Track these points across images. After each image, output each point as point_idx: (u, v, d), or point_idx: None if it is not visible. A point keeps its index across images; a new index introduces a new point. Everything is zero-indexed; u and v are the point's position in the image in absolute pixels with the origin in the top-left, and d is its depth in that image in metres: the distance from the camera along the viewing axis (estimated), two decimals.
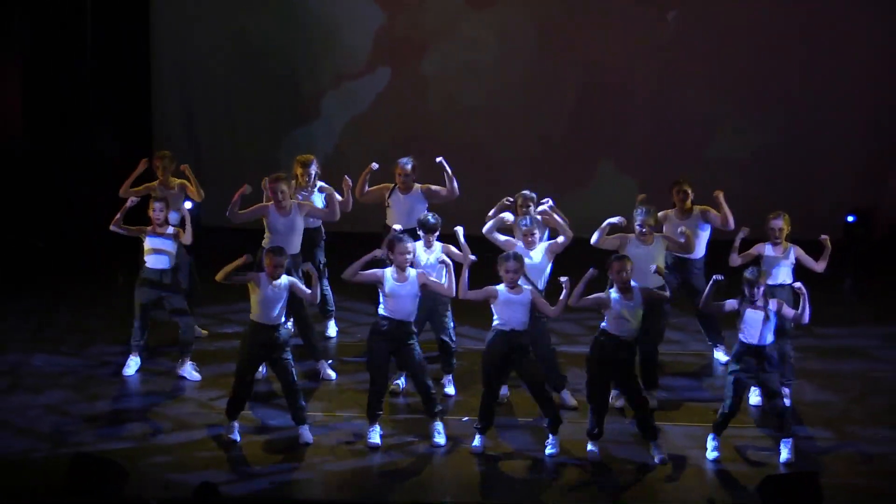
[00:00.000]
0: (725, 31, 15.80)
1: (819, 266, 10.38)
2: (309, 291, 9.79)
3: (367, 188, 11.45)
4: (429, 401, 9.68)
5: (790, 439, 9.38)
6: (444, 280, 9.75)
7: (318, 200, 11.41)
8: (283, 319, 9.69)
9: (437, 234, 10.33)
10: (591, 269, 9.32)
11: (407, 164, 11.33)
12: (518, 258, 9.47)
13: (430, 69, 16.07)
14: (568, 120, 16.07)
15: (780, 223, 10.34)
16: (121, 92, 16.04)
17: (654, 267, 9.81)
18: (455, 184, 11.24)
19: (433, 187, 11.34)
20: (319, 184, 11.45)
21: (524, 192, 10.61)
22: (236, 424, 9.66)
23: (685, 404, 10.52)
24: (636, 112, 16.00)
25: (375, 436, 9.59)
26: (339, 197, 11.25)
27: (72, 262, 13.77)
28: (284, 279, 9.63)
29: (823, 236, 10.43)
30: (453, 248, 10.22)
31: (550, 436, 9.49)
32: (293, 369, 9.67)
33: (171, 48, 16.25)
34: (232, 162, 16.32)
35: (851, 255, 15.31)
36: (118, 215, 10.82)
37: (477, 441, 9.52)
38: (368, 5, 15.98)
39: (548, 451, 9.46)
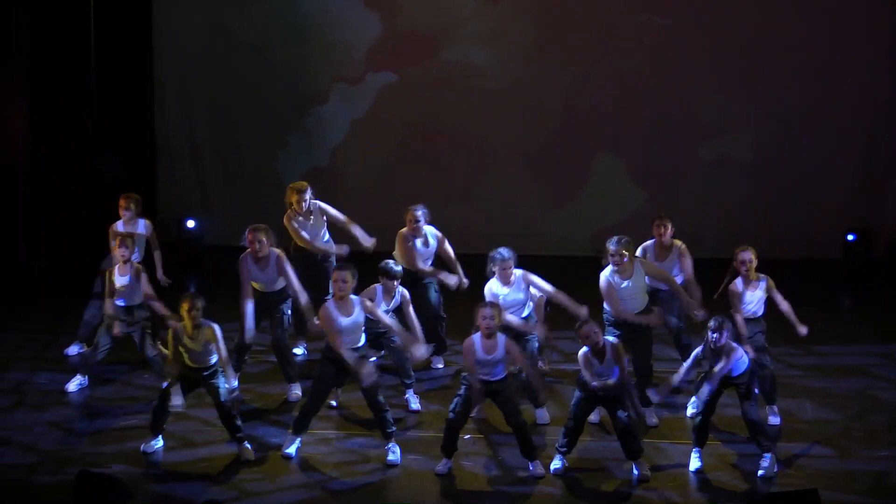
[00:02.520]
0: (723, 45, 15.90)
1: (784, 305, 10.31)
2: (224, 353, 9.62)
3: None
4: (382, 420, 9.59)
5: (769, 454, 9.47)
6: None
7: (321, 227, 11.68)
8: (211, 361, 9.61)
9: (398, 282, 10.47)
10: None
11: (418, 210, 11.48)
12: (495, 305, 9.38)
13: (431, 71, 16.14)
14: (568, 121, 16.15)
15: (750, 255, 10.29)
16: (124, 111, 16.12)
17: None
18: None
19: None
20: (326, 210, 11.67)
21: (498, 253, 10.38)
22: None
23: (686, 422, 10.54)
24: (636, 114, 16.09)
25: (293, 447, 9.64)
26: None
27: (75, 281, 13.80)
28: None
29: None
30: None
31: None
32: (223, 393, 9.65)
33: (174, 68, 16.35)
34: (236, 179, 16.42)
35: (851, 274, 15.41)
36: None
37: (442, 465, 9.48)
38: (366, 11, 16.09)
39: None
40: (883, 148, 15.91)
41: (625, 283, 10.10)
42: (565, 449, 9.52)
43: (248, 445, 9.68)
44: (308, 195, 11.54)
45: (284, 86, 16.25)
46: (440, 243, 11.60)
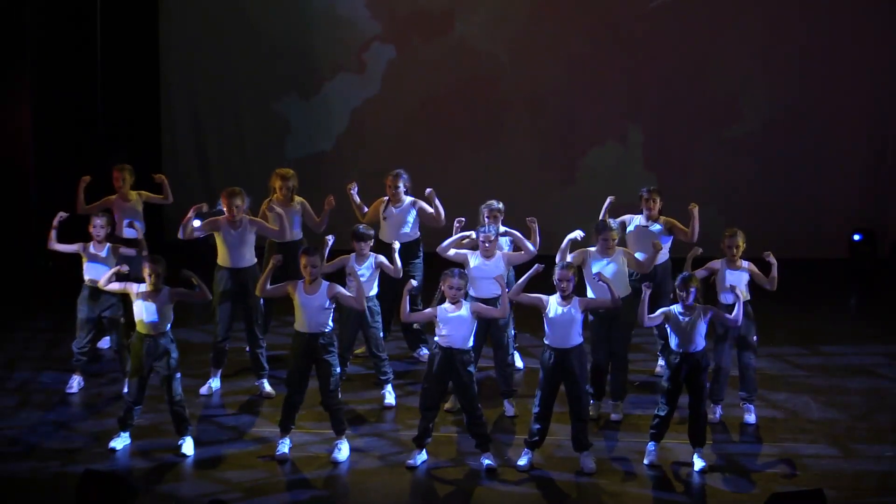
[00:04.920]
0: (732, 43, 15.83)
1: (770, 285, 10.27)
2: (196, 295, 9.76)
3: (364, 208, 11.53)
4: (336, 419, 9.66)
5: (701, 448, 9.53)
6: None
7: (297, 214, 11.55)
8: (167, 328, 9.70)
9: (371, 243, 10.48)
10: (536, 265, 9.45)
11: (397, 176, 11.41)
12: (462, 275, 9.44)
13: (437, 53, 16.05)
14: (575, 100, 16.05)
15: (738, 240, 10.34)
16: (130, 111, 16.13)
17: (596, 275, 9.93)
18: (443, 215, 11.28)
19: (427, 207, 11.43)
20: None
21: (492, 202, 10.71)
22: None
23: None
24: (644, 108, 16.06)
25: (285, 447, 9.64)
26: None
27: (80, 281, 13.84)
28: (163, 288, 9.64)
29: (767, 253, 10.29)
30: (385, 261, 10.44)
31: (483, 454, 9.49)
32: (176, 383, 9.71)
33: (180, 67, 16.34)
34: (241, 178, 16.39)
35: (857, 274, 15.39)
36: (51, 232, 10.84)
37: (414, 457, 9.53)
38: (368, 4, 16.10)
39: (485, 463, 9.46)
40: (890, 148, 15.86)
41: (605, 262, 10.17)
42: (537, 438, 9.44)
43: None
44: (292, 183, 11.40)
45: (289, 79, 16.18)
46: (420, 213, 11.42)
